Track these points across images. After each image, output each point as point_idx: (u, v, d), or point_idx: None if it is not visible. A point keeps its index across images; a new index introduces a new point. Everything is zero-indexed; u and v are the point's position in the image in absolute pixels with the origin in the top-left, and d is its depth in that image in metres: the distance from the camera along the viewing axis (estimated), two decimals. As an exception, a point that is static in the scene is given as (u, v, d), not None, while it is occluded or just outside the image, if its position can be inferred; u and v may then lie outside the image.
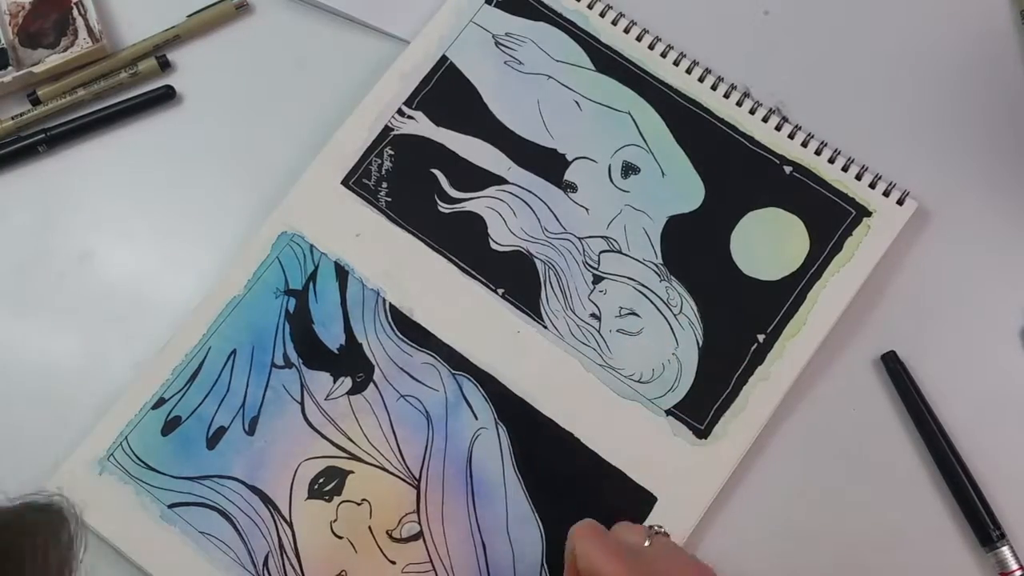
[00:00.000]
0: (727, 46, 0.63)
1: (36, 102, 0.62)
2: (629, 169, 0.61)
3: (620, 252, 0.59)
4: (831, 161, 0.60)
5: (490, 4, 0.63)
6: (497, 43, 0.63)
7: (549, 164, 0.61)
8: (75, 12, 0.62)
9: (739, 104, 0.61)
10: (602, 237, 0.59)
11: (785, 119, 0.61)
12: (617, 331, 0.58)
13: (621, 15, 0.63)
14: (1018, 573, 0.54)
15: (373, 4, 0.64)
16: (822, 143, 0.60)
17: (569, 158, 0.61)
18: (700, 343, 0.58)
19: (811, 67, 0.63)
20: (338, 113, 0.61)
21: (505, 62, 0.62)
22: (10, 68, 0.61)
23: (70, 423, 0.57)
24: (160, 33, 0.63)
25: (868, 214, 0.59)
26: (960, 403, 0.57)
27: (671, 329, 0.58)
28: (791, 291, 0.58)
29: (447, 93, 0.62)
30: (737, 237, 0.59)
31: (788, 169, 0.60)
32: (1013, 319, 0.59)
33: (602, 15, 0.63)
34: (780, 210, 0.59)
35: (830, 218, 0.59)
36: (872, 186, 0.59)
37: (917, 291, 0.59)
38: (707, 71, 0.62)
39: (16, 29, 0.62)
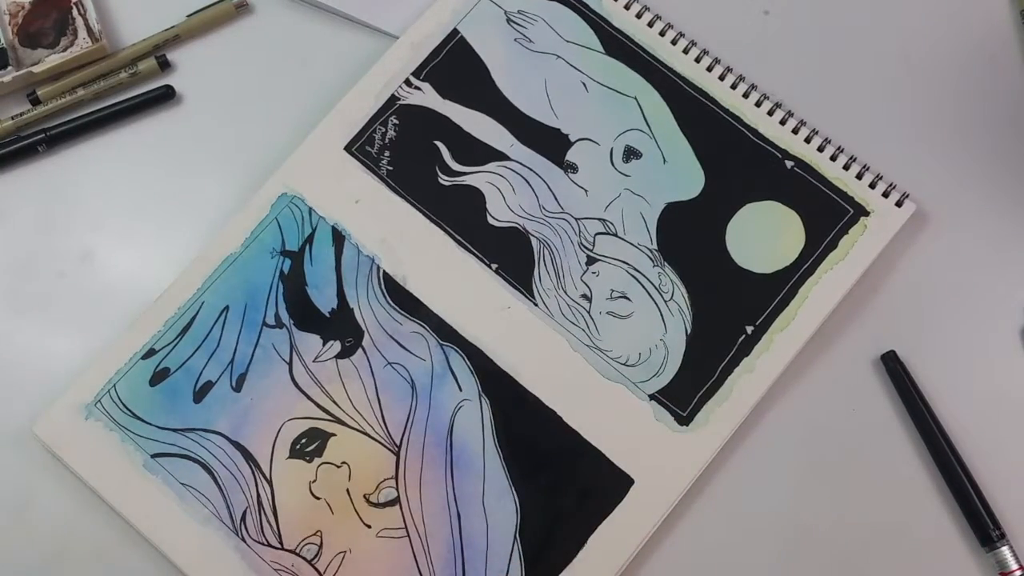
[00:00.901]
0: (726, 45, 0.62)
1: (36, 102, 0.62)
2: (631, 153, 0.61)
3: (616, 235, 0.59)
4: (833, 159, 0.60)
5: (504, -20, 0.64)
6: (509, 20, 0.63)
7: (552, 143, 0.61)
8: (75, 12, 0.62)
9: (746, 96, 0.61)
10: (599, 219, 0.59)
11: (790, 113, 0.61)
12: (607, 313, 0.58)
13: (634, 0, 0.63)
14: (1018, 573, 0.54)
15: (374, 4, 0.64)
16: (826, 140, 0.60)
17: (572, 139, 0.61)
18: (688, 330, 0.58)
19: (810, 67, 0.63)
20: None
21: (515, 39, 0.62)
22: (10, 68, 0.61)
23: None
24: (160, 33, 0.63)
25: (866, 213, 0.59)
26: (960, 403, 0.57)
27: (661, 315, 0.58)
28: (783, 285, 0.58)
29: (456, 66, 0.62)
30: (733, 228, 0.59)
31: (789, 164, 0.60)
32: (1013, 319, 0.59)
33: (615, -1, 0.63)
34: (778, 204, 0.59)
35: (827, 215, 0.59)
36: (872, 186, 0.59)
37: (917, 291, 0.59)
38: (716, 61, 0.62)
39: (16, 29, 0.62)
